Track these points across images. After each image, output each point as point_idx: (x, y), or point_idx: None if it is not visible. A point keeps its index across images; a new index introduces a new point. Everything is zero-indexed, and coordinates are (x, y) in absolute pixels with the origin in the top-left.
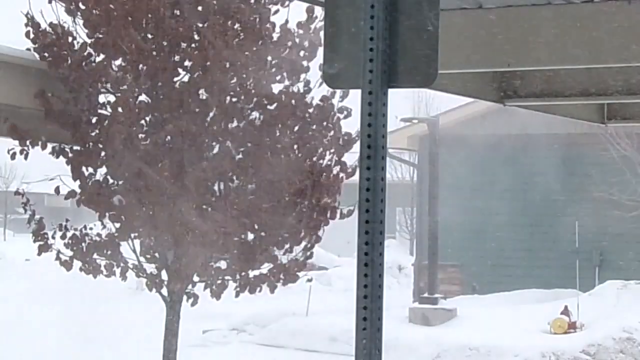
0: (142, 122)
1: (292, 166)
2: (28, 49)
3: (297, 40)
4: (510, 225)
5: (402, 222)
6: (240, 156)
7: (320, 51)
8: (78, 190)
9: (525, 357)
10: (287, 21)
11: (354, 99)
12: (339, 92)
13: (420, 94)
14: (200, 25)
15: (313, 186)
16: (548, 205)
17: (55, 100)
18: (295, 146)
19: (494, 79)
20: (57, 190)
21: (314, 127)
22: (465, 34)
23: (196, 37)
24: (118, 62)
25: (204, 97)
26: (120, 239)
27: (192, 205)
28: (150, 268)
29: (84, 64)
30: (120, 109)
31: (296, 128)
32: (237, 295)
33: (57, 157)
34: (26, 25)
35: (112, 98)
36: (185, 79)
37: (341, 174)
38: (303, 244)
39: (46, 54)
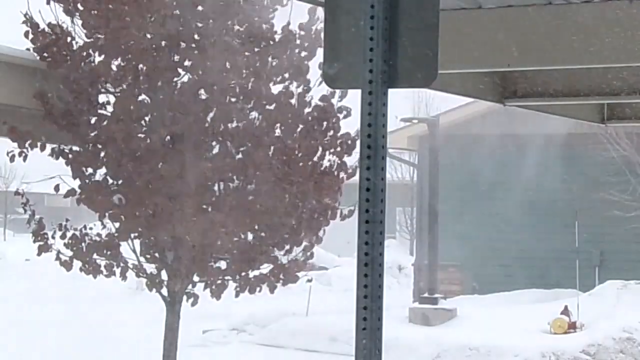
0: (142, 122)
1: (293, 166)
2: (27, 49)
3: (297, 41)
4: (510, 225)
5: (402, 222)
6: (240, 156)
7: (320, 51)
8: (78, 190)
9: (525, 357)
10: (289, 23)
11: (354, 98)
12: (337, 91)
13: (420, 94)
14: (200, 25)
15: (313, 187)
16: (548, 205)
17: (55, 100)
18: (296, 146)
19: (494, 79)
20: (56, 188)
21: (315, 127)
22: (465, 34)
23: (196, 37)
24: (118, 62)
25: (204, 97)
26: (120, 239)
27: (192, 205)
28: (150, 268)
29: (83, 64)
30: (120, 109)
31: (296, 128)
32: (237, 295)
33: (57, 158)
34: (25, 25)
35: (112, 98)
36: (185, 79)
37: (342, 175)
38: (303, 244)
39: (46, 54)
